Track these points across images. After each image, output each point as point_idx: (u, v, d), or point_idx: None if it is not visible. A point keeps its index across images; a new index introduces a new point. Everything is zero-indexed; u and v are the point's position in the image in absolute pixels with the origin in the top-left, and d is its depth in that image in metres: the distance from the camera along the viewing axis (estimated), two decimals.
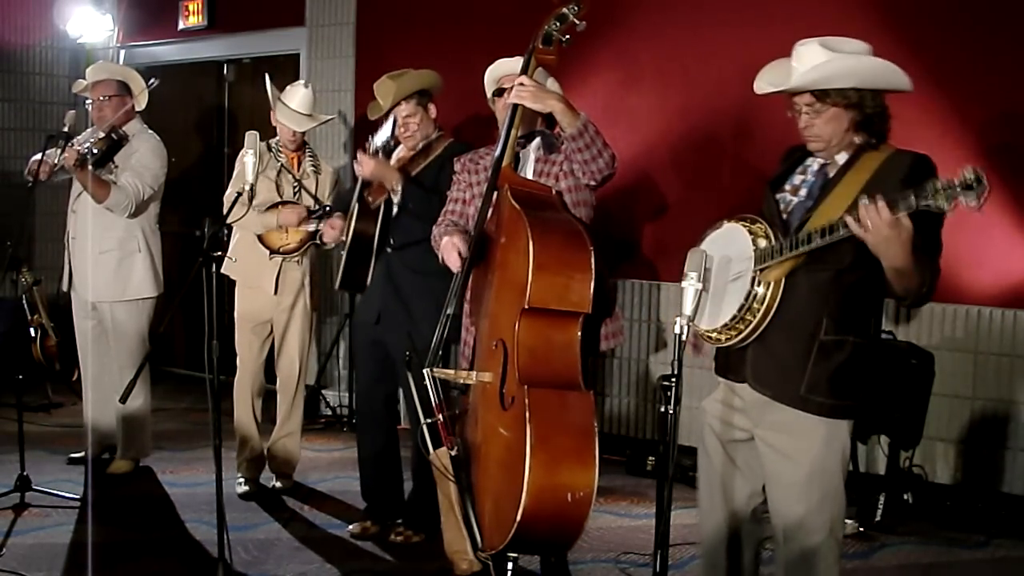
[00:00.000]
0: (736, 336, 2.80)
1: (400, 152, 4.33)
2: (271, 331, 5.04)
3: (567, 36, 3.21)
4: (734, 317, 2.77)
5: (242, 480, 5.03)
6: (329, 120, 5.32)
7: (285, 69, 6.72)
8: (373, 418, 4.43)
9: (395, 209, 4.21)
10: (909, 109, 4.79)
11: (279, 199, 4.91)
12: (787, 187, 2.91)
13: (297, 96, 4.93)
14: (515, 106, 3.26)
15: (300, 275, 4.97)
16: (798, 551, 2.88)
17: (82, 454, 5.39)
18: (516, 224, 3.05)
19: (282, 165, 4.95)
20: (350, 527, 4.46)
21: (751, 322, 2.76)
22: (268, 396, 5.16)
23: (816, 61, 2.73)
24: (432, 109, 4.28)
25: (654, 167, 5.49)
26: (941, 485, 4.82)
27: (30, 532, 4.39)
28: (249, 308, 4.99)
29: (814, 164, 2.89)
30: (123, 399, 3.77)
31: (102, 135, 4.99)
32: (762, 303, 2.73)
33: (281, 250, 4.91)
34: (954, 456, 4.84)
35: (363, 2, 6.60)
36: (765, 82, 2.86)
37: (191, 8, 7.40)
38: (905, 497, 4.70)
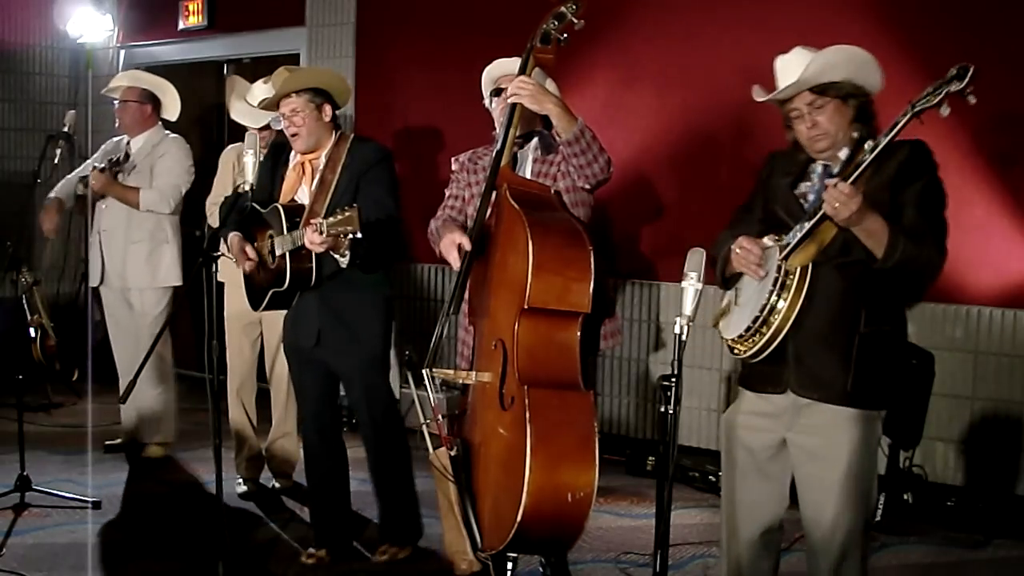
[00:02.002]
0: (760, 342, 2.78)
1: (295, 159, 4.01)
2: (261, 330, 5.03)
3: (565, 35, 3.22)
4: (756, 319, 2.76)
5: (241, 480, 5.03)
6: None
7: None
8: (321, 442, 4.15)
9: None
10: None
11: None
12: (796, 194, 2.93)
13: (257, 93, 4.87)
14: (513, 106, 3.27)
15: None
16: (830, 550, 2.89)
17: (119, 441, 5.58)
18: (515, 224, 3.05)
19: None
20: (303, 557, 4.13)
21: (774, 324, 2.75)
22: (263, 395, 5.14)
23: (805, 62, 2.77)
24: (327, 111, 3.91)
25: (653, 167, 5.49)
26: (941, 485, 4.81)
27: (30, 532, 4.38)
28: (238, 308, 4.93)
29: (818, 167, 2.90)
30: (123, 400, 3.78)
31: (102, 167, 5.27)
32: (789, 298, 2.73)
33: None
34: (954, 456, 4.83)
35: (363, 2, 6.60)
36: (764, 91, 2.86)
37: (191, 8, 7.39)
38: (905, 497, 4.70)
